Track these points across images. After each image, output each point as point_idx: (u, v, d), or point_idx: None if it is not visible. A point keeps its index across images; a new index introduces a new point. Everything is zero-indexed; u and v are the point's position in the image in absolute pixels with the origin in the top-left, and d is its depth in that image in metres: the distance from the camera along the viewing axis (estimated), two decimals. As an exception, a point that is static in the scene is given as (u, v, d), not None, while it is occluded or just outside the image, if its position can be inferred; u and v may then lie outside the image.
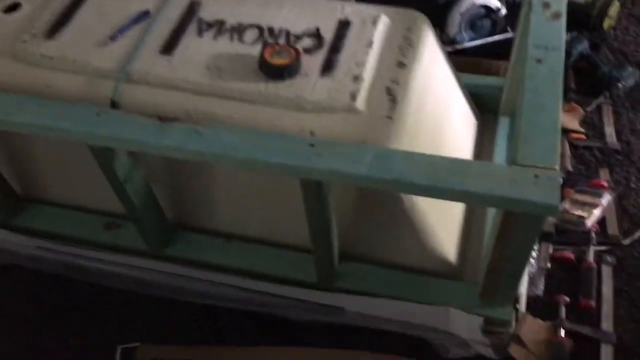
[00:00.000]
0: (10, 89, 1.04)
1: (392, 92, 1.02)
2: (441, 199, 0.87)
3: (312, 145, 0.88)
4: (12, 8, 1.18)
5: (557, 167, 0.84)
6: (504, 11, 1.59)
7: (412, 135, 1.02)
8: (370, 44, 1.07)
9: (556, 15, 1.04)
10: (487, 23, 1.56)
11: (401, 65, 1.06)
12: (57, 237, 1.31)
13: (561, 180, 0.82)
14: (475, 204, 0.87)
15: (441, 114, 1.17)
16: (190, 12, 1.13)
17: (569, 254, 1.35)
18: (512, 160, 0.86)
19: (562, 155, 1.43)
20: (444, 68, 1.22)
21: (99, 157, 1.01)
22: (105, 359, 1.21)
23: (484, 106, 1.40)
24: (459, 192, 0.83)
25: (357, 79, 1.02)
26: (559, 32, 1.01)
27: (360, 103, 1.00)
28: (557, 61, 0.97)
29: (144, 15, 1.13)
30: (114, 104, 1.02)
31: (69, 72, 1.07)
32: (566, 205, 1.30)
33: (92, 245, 1.29)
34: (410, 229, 1.07)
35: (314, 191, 0.94)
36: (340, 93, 1.00)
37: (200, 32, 1.10)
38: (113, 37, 1.10)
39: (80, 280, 1.32)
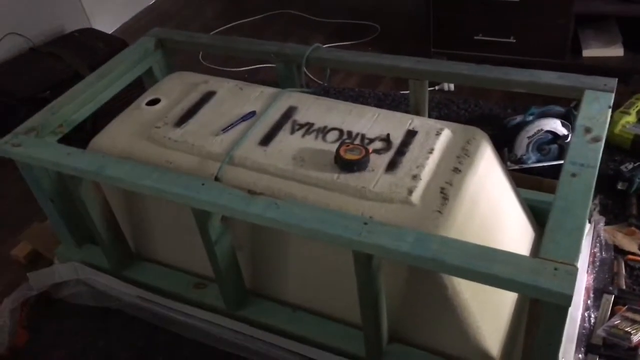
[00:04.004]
0: (143, 161, 1.33)
1: (445, 191, 1.18)
2: (470, 280, 0.99)
3: (365, 223, 1.06)
4: (154, 102, 1.53)
5: (576, 263, 0.95)
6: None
7: (459, 231, 1.16)
8: (431, 150, 1.26)
9: (595, 139, 1.18)
10: (554, 147, 1.71)
11: (456, 170, 1.23)
12: (155, 290, 1.55)
13: (577, 275, 0.93)
14: (498, 286, 0.98)
15: (493, 218, 1.31)
16: (287, 115, 1.40)
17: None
18: (536, 254, 0.98)
19: (618, 274, 1.47)
20: (500, 179, 1.37)
21: (198, 218, 1.25)
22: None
23: (544, 220, 1.51)
24: (485, 274, 0.96)
25: (415, 177, 1.20)
26: (596, 153, 1.14)
27: (416, 198, 1.17)
28: (590, 177, 1.09)
29: (251, 114, 1.42)
30: (216, 180, 1.28)
31: (187, 153, 1.34)
32: (616, 320, 1.34)
33: (182, 300, 1.51)
34: (452, 317, 1.18)
35: (365, 265, 1.10)
36: (399, 187, 1.18)
37: (292, 131, 1.36)
38: (225, 129, 1.38)
39: (165, 329, 1.53)
